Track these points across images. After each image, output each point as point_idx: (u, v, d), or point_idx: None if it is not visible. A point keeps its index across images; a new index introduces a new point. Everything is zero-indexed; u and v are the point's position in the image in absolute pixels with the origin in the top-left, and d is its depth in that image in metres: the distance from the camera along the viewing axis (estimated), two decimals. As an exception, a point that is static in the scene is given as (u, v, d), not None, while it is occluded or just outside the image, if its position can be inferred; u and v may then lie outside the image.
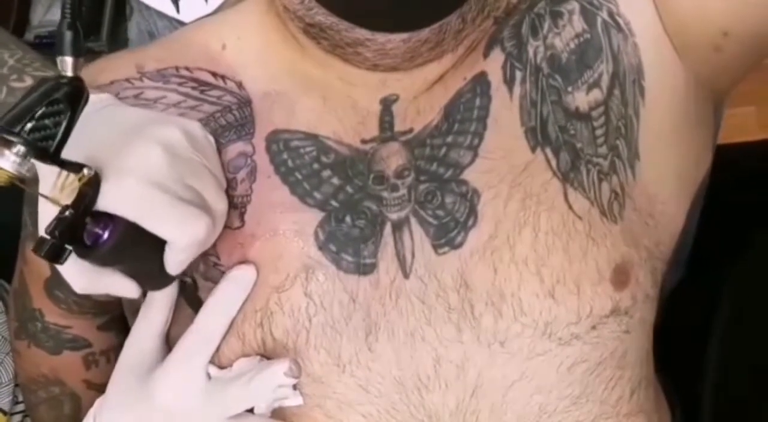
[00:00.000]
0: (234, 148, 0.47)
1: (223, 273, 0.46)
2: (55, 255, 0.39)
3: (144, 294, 0.46)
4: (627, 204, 0.47)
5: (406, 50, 0.44)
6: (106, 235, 0.40)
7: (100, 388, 0.50)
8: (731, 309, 0.65)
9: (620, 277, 0.46)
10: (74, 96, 0.38)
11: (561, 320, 0.45)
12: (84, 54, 0.39)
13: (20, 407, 0.68)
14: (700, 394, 0.64)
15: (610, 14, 0.47)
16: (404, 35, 0.43)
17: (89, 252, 0.40)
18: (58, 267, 0.40)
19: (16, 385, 0.67)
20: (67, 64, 0.38)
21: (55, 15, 0.98)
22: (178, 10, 0.60)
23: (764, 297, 0.64)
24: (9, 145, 0.37)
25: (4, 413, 0.67)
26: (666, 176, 0.49)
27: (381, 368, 0.45)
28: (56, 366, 0.56)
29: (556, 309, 0.44)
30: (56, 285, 0.53)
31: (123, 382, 0.47)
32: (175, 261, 0.42)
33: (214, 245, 0.45)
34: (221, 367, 0.46)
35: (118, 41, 0.77)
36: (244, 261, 0.46)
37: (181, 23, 0.61)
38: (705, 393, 0.64)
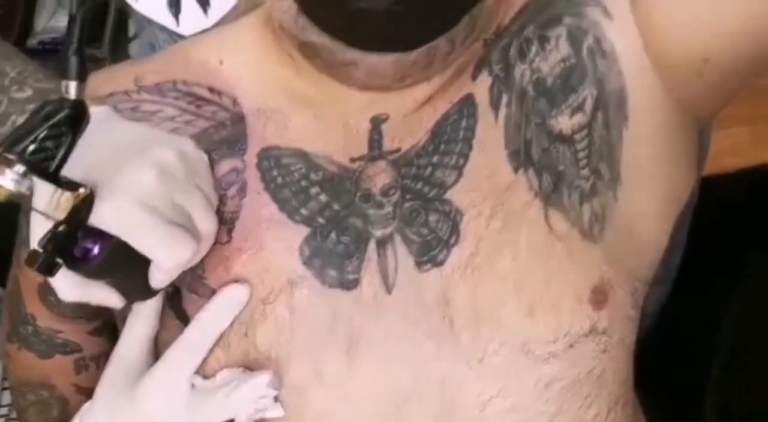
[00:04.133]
0: (226, 164, 0.49)
1: (207, 287, 0.47)
2: (47, 268, 0.40)
3: (130, 303, 0.47)
4: (607, 225, 0.48)
5: (396, 71, 0.45)
6: (96, 251, 0.41)
7: (89, 393, 0.50)
8: (734, 333, 0.65)
9: (599, 297, 0.47)
10: (76, 120, 0.40)
11: (539, 338, 0.46)
12: (86, 79, 0.40)
13: (3, 410, 0.69)
14: (704, 415, 0.64)
15: (596, 40, 0.48)
16: (393, 56, 0.45)
17: (79, 265, 0.41)
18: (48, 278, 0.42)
19: (4, 389, 0.68)
20: (71, 88, 0.40)
21: (60, 21, 0.99)
22: (178, 24, 0.61)
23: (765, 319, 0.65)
24: (10, 163, 0.39)
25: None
26: (648, 198, 0.50)
27: (361, 381, 0.46)
28: (47, 370, 0.57)
29: (534, 327, 0.45)
30: (49, 290, 0.54)
31: (110, 389, 0.48)
32: (159, 279, 0.44)
33: (202, 259, 0.46)
34: (206, 377, 0.47)
35: (119, 50, 0.78)
36: (229, 276, 0.47)
37: (181, 36, 0.62)
38: (709, 414, 0.64)
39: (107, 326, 0.57)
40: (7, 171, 0.38)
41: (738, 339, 0.65)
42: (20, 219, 0.55)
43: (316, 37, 0.45)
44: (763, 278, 0.64)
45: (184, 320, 0.48)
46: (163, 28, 0.62)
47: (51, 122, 0.39)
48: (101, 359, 0.58)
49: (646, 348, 0.65)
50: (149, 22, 0.62)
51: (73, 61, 0.39)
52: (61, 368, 0.57)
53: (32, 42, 0.87)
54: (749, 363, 0.63)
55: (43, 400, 0.58)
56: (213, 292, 0.47)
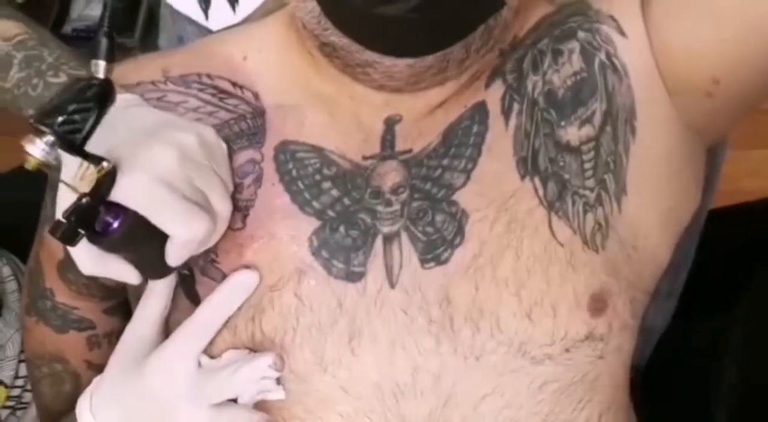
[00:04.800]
0: (244, 155, 0.50)
1: (219, 271, 0.49)
2: (69, 238, 0.42)
3: (145, 282, 0.49)
4: (610, 235, 0.49)
5: (411, 74, 0.47)
6: (116, 224, 0.43)
7: (100, 369, 0.52)
8: (742, 351, 0.65)
9: (597, 305, 0.48)
10: (103, 97, 0.42)
11: (535, 340, 0.47)
12: (115, 60, 0.43)
13: (19, 381, 0.71)
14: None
15: (608, 56, 0.49)
16: (409, 60, 0.46)
17: (99, 238, 0.43)
18: (70, 249, 0.44)
19: (20, 361, 0.70)
20: (100, 67, 0.42)
21: (94, 10, 1.03)
22: (207, 18, 0.63)
23: None
24: (40, 134, 0.41)
25: (6, 386, 0.70)
26: (652, 212, 0.51)
27: (361, 371, 0.47)
28: (61, 345, 0.59)
29: (531, 329, 0.47)
30: (68, 267, 0.56)
31: (120, 364, 0.50)
32: (175, 255, 0.45)
33: (216, 244, 0.48)
34: (212, 357, 0.48)
35: (149, 41, 0.80)
36: (241, 262, 0.49)
37: (209, 31, 0.64)
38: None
39: (121, 306, 0.59)
40: (37, 141, 0.41)
41: (745, 360, 0.65)
42: (45, 197, 0.57)
43: (337, 38, 0.47)
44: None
45: (196, 302, 0.50)
46: (192, 22, 0.64)
47: (80, 98, 0.41)
48: (113, 337, 0.59)
49: (652, 362, 0.66)
50: (179, 15, 0.64)
51: (104, 43, 0.41)
52: (74, 343, 0.59)
53: (67, 29, 0.89)
54: (758, 385, 0.63)
55: (56, 373, 0.59)
56: (224, 276, 0.49)
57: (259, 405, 0.48)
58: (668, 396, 0.66)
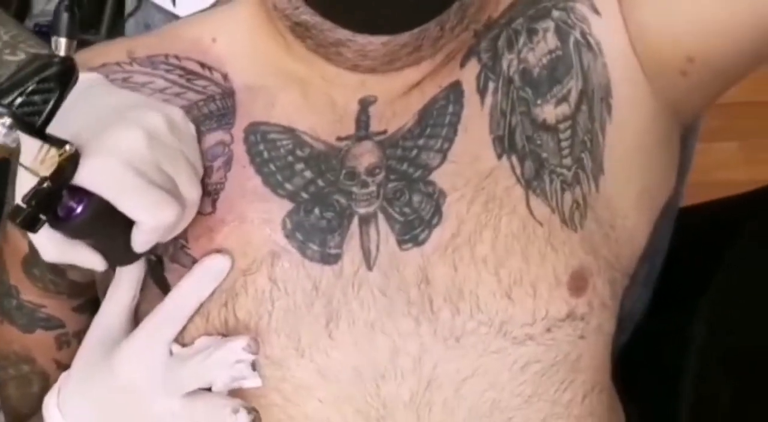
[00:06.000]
0: (213, 137, 0.49)
1: (189, 256, 0.48)
2: (30, 224, 0.40)
3: (113, 271, 0.48)
4: (588, 214, 0.49)
5: (385, 53, 0.46)
6: (79, 210, 0.41)
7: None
8: (709, 319, 0.65)
9: (578, 283, 0.48)
10: (65, 75, 0.40)
11: (516, 320, 0.46)
12: (78, 37, 0.41)
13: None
14: (677, 405, 0.65)
15: (583, 34, 0.49)
16: (384, 38, 0.46)
17: (62, 224, 0.42)
18: (31, 235, 0.42)
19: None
20: (61, 44, 0.40)
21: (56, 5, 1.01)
22: (174, 4, 0.62)
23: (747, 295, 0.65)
24: None
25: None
26: (629, 192, 0.51)
27: (339, 355, 0.46)
28: (28, 344, 0.57)
29: (512, 309, 0.46)
30: (34, 263, 0.54)
31: (88, 356, 0.48)
32: (141, 241, 0.44)
33: (185, 229, 0.47)
34: (184, 345, 0.47)
35: (116, 37, 0.79)
36: (212, 246, 0.47)
37: (177, 17, 0.63)
38: (682, 404, 0.64)
39: (91, 304, 0.57)
40: None
41: (711, 334, 0.65)
42: (7, 192, 0.55)
43: (309, 17, 0.46)
44: (738, 271, 0.64)
45: (166, 290, 0.48)
46: (160, 8, 0.63)
47: (40, 76, 0.39)
48: (84, 336, 0.58)
49: (628, 349, 0.66)
50: (147, 2, 0.63)
51: (64, 18, 0.40)
52: (42, 343, 0.57)
53: (29, 24, 0.87)
54: (724, 357, 0.64)
55: (23, 375, 0.58)
56: (195, 262, 0.47)
57: (235, 393, 0.46)
58: (642, 380, 0.66)
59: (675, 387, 0.64)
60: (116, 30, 0.83)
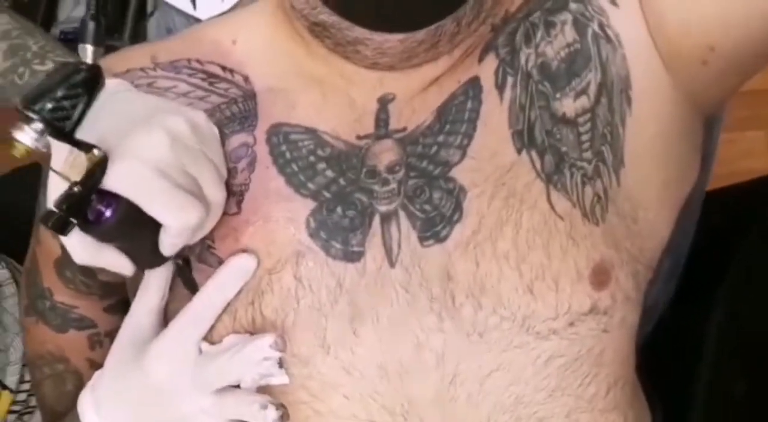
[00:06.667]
0: (237, 139, 0.50)
1: (216, 257, 0.48)
2: (61, 228, 0.41)
3: (142, 273, 0.49)
4: (610, 208, 0.48)
5: (403, 50, 0.47)
6: (108, 213, 0.42)
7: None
8: (726, 309, 0.65)
9: (600, 277, 0.48)
10: (92, 82, 0.42)
11: (539, 315, 0.46)
12: (104, 44, 0.42)
13: (25, 386, 0.70)
14: (693, 395, 0.64)
15: (601, 26, 0.49)
16: (401, 35, 0.46)
17: (92, 227, 0.43)
18: (62, 238, 0.43)
19: (24, 365, 0.70)
20: (87, 51, 0.42)
21: (81, 12, 1.02)
22: (195, 8, 0.63)
23: (759, 295, 0.64)
24: (29, 121, 0.40)
25: (11, 391, 0.70)
26: (650, 184, 0.50)
27: (364, 352, 0.47)
28: (62, 344, 0.58)
29: (534, 304, 0.46)
30: (66, 265, 0.56)
31: (120, 355, 0.49)
32: (168, 244, 0.45)
33: (211, 230, 0.48)
34: (213, 343, 0.48)
35: (139, 40, 0.80)
36: (238, 247, 0.48)
37: (198, 20, 0.64)
38: (698, 394, 0.64)
39: (121, 304, 0.59)
40: (26, 127, 0.40)
41: (727, 326, 0.65)
42: (39, 197, 0.57)
43: (326, 16, 0.46)
44: (751, 269, 0.64)
45: (194, 290, 0.49)
46: (180, 12, 0.64)
47: (68, 83, 0.41)
48: (115, 336, 0.59)
49: (651, 342, 0.66)
50: (167, 6, 0.64)
51: (91, 26, 0.41)
52: (75, 343, 0.58)
53: (54, 31, 0.89)
54: (738, 349, 0.63)
55: (58, 374, 0.59)
56: (221, 262, 0.48)
57: (263, 390, 0.47)
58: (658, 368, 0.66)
59: (692, 379, 0.64)
60: (139, 33, 0.84)
